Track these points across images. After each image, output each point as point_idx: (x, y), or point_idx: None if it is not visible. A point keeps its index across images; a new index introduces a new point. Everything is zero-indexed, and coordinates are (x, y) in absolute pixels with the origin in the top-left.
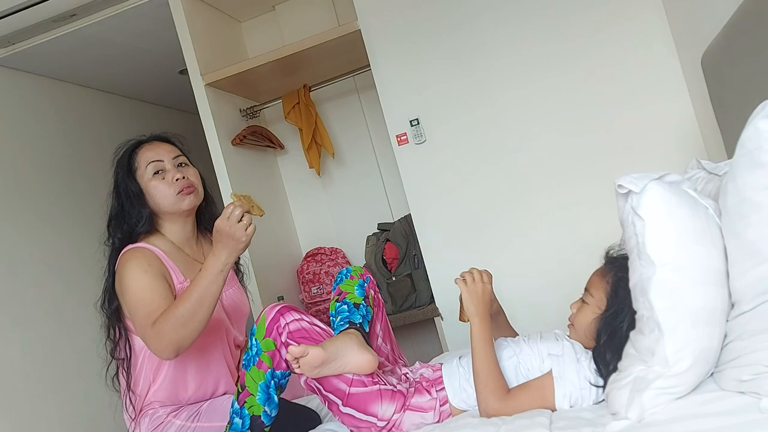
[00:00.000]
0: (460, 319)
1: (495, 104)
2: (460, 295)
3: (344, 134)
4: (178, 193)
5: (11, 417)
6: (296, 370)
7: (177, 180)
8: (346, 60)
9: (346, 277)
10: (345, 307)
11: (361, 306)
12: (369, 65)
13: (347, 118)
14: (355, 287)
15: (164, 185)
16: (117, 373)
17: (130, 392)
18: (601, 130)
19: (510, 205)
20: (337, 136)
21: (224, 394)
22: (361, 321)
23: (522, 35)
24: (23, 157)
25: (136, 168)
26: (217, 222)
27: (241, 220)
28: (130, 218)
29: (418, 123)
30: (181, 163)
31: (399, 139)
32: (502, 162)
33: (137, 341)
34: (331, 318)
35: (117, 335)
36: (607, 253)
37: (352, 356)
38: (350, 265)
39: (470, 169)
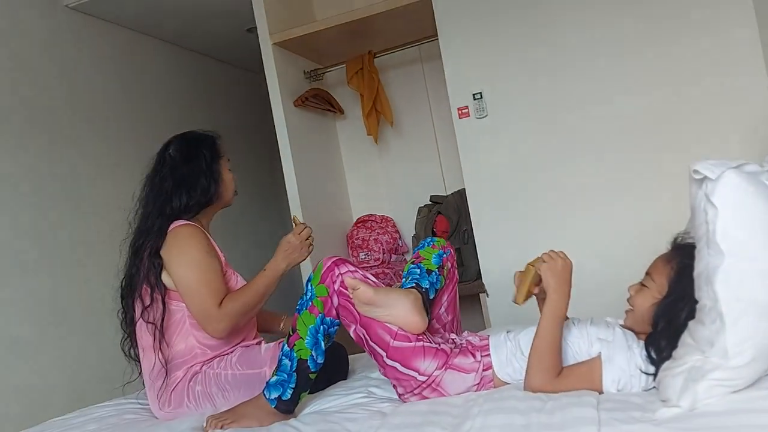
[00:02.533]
0: (514, 301)
1: (562, 82)
2: (518, 275)
3: (404, 104)
4: (235, 192)
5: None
6: (352, 297)
7: (235, 180)
8: (414, 28)
9: (428, 245)
10: (417, 270)
11: (434, 273)
12: (436, 35)
13: (409, 87)
14: (434, 255)
15: (231, 180)
16: (130, 336)
17: (160, 352)
18: (674, 114)
19: (569, 186)
20: (397, 105)
21: (246, 341)
22: (428, 287)
23: (594, 13)
24: (89, 102)
25: (221, 156)
26: (290, 236)
27: (307, 239)
28: (198, 191)
29: (482, 97)
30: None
31: (460, 112)
32: (565, 142)
33: (174, 302)
34: (403, 278)
35: (150, 299)
36: (675, 239)
37: (401, 311)
38: (399, 234)
39: (531, 147)
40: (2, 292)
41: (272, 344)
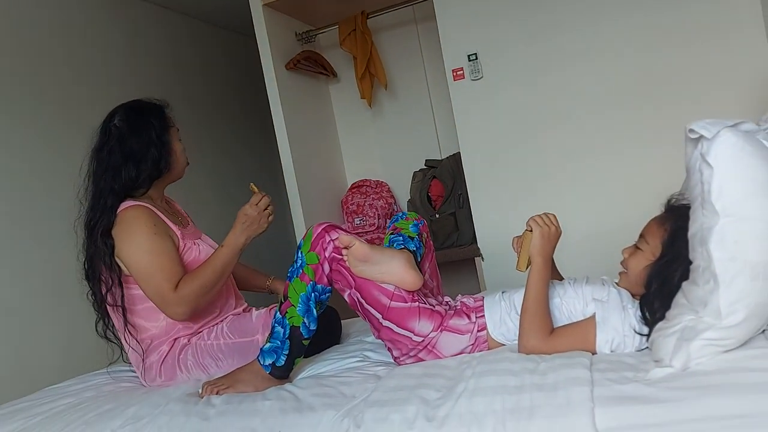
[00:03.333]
0: (517, 268)
1: (557, 44)
2: (518, 242)
3: (399, 66)
4: (186, 164)
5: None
6: (345, 259)
7: (185, 150)
8: None
9: (402, 218)
10: (400, 238)
11: (415, 239)
12: None
13: (403, 49)
14: (410, 225)
15: (182, 151)
16: (104, 318)
17: (130, 332)
18: (671, 74)
19: (564, 149)
20: (391, 68)
21: (236, 309)
22: (414, 250)
23: None
24: (79, 66)
25: (170, 126)
26: (246, 207)
27: (265, 209)
28: (149, 164)
29: (476, 58)
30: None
31: (455, 73)
32: (560, 104)
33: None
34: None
35: (110, 280)
36: (669, 201)
37: (397, 267)
38: (394, 198)
39: (526, 110)
40: None
41: (263, 310)
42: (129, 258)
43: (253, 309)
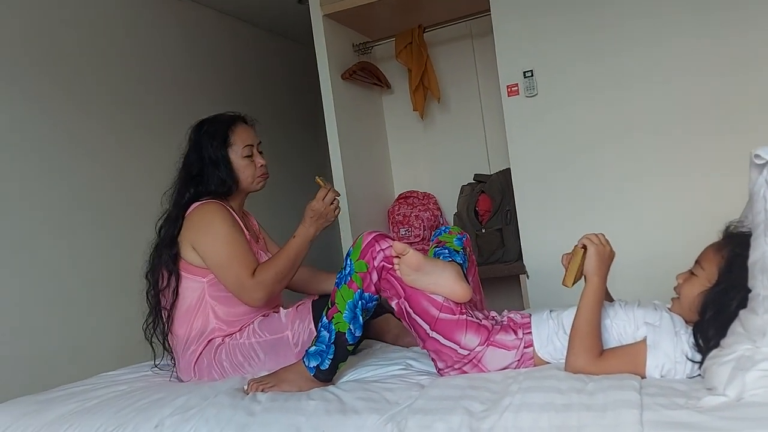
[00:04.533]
0: (563, 283)
1: (615, 64)
2: (567, 258)
3: (452, 80)
4: (258, 176)
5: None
6: (396, 267)
7: (261, 166)
8: (464, 3)
9: (445, 232)
10: (445, 251)
11: (460, 252)
12: (488, 10)
13: (457, 63)
14: (454, 239)
15: (251, 168)
16: (153, 323)
17: (173, 335)
18: (733, 98)
19: (618, 170)
20: (444, 81)
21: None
22: (461, 263)
23: None
24: (142, 69)
25: (232, 143)
26: (314, 203)
27: (332, 203)
28: (209, 183)
29: (532, 75)
30: (260, 151)
31: (510, 89)
32: (615, 125)
33: (191, 284)
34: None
35: (166, 283)
36: (727, 228)
37: (447, 279)
38: (440, 211)
39: (580, 129)
40: (53, 253)
41: (290, 309)
42: (207, 249)
43: (281, 308)
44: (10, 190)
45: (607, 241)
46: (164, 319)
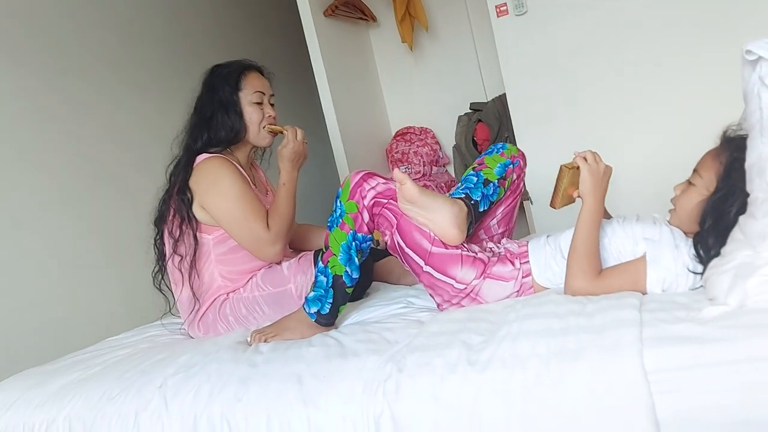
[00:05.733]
0: (551, 204)
1: None
2: (558, 178)
3: (440, 6)
4: (264, 128)
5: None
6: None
7: (269, 116)
8: None
9: (497, 152)
10: (474, 178)
11: (491, 185)
12: None
13: None
14: (498, 164)
15: (258, 116)
16: (161, 270)
17: (191, 287)
18: (726, 7)
19: (614, 84)
20: (432, 8)
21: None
22: (479, 199)
23: None
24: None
25: (242, 88)
26: (291, 146)
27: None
28: (219, 128)
29: None
30: (272, 103)
31: (498, 9)
32: (608, 36)
33: (205, 235)
34: (460, 183)
35: (179, 231)
36: (724, 132)
37: (441, 219)
38: (439, 145)
39: (574, 45)
40: (61, 221)
41: (293, 260)
42: (217, 206)
43: (283, 260)
44: (11, 161)
45: (600, 159)
46: (180, 268)
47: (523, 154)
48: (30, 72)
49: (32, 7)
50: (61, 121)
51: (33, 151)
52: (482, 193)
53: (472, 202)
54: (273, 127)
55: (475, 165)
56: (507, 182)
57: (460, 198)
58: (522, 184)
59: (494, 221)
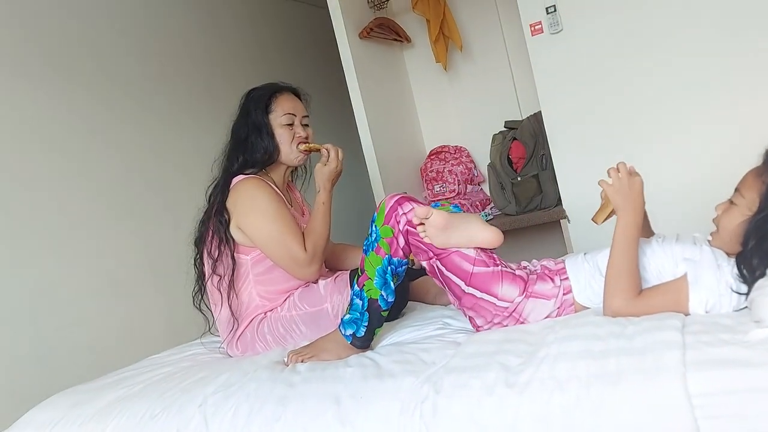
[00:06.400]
0: (593, 219)
1: None
2: (602, 193)
3: (474, 25)
4: (297, 149)
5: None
6: (422, 235)
7: (300, 137)
8: None
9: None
10: (451, 207)
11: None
12: None
13: (477, 8)
14: (452, 206)
15: (288, 137)
16: (201, 290)
17: (229, 307)
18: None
19: (653, 103)
20: (466, 28)
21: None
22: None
23: None
24: (157, 51)
25: (272, 110)
26: (334, 168)
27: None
28: (254, 150)
29: (555, 10)
30: (306, 124)
31: (533, 28)
32: (648, 56)
33: (242, 255)
34: None
35: (218, 251)
36: (767, 151)
37: (477, 228)
38: (474, 163)
39: (610, 63)
40: (103, 240)
41: (329, 279)
42: (255, 227)
43: (320, 279)
44: (59, 176)
45: (629, 170)
46: (219, 288)
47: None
48: (80, 87)
49: (84, 28)
50: (110, 137)
51: (80, 167)
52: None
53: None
54: (309, 145)
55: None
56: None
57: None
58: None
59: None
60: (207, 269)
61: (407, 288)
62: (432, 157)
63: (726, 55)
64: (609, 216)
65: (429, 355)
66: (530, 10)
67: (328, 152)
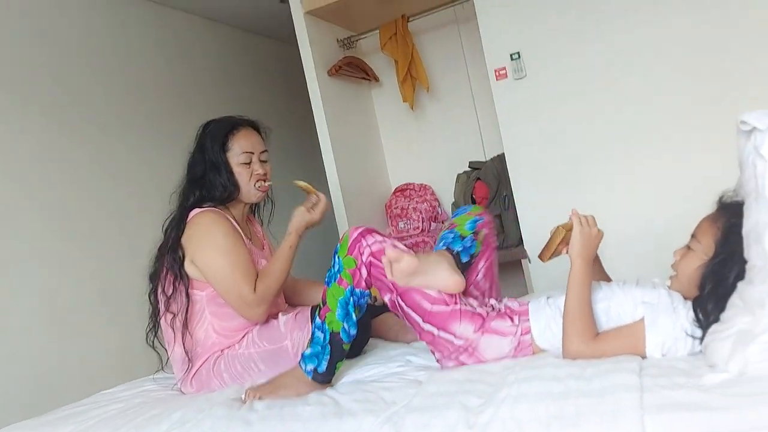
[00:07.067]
0: (539, 256)
1: (603, 40)
2: (552, 233)
3: (440, 68)
4: (255, 186)
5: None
6: (388, 275)
7: (258, 174)
8: None
9: (464, 213)
10: (451, 235)
11: (467, 239)
12: None
13: (444, 51)
14: (467, 222)
15: (246, 175)
16: (154, 328)
17: (183, 346)
18: (720, 68)
19: (611, 148)
20: (433, 70)
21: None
22: (460, 250)
23: None
24: (125, 80)
25: (230, 148)
26: (313, 218)
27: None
28: (212, 188)
29: (519, 57)
30: (264, 159)
31: (498, 73)
32: (606, 103)
33: (197, 291)
34: (437, 243)
35: (172, 288)
36: (720, 198)
37: (441, 273)
38: (438, 201)
39: (571, 109)
40: (56, 269)
41: (289, 315)
42: (206, 261)
43: (280, 315)
44: (11, 201)
45: (594, 223)
46: (172, 326)
47: (487, 212)
48: (36, 111)
49: (45, 52)
50: (65, 163)
51: (33, 192)
52: (462, 245)
53: (454, 252)
54: (304, 185)
55: (447, 226)
56: (480, 236)
57: (442, 250)
58: (494, 238)
59: (479, 276)
60: (161, 306)
61: (369, 325)
62: (397, 194)
63: (683, 104)
64: (554, 254)
65: (390, 393)
66: (495, 55)
67: (318, 202)
